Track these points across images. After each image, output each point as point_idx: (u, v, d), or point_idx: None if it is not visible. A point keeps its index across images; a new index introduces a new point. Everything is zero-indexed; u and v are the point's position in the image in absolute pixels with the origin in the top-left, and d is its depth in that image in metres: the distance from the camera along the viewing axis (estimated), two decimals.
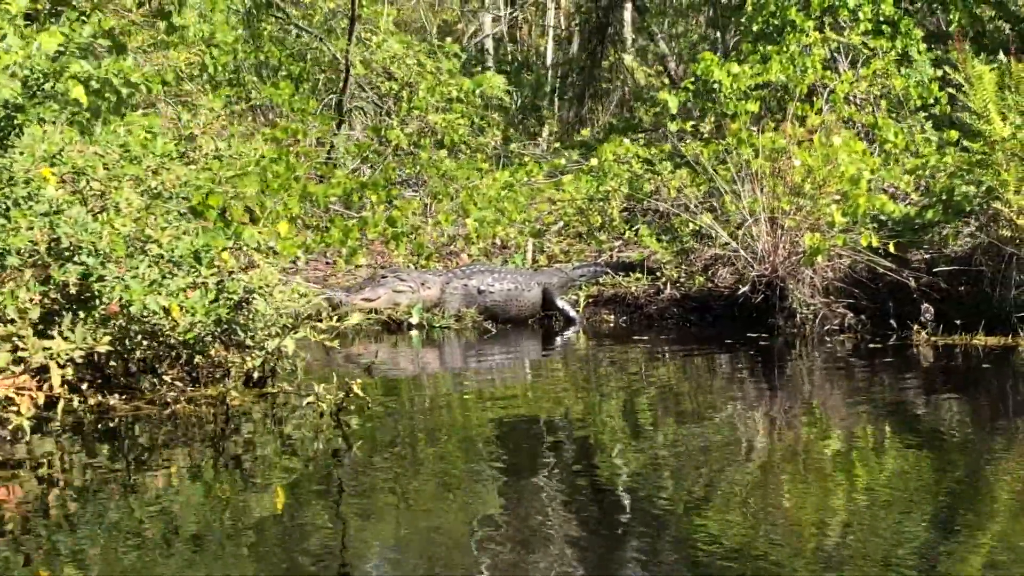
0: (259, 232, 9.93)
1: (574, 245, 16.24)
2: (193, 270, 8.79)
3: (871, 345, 12.43)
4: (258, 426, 8.43)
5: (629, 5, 28.25)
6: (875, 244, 12.90)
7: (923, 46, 17.21)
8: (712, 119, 16.15)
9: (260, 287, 8.79)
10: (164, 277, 8.57)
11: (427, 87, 17.94)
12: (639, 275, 14.74)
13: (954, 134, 14.18)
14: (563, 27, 32.41)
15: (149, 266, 8.59)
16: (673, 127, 16.58)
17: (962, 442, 8.29)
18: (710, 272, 14.35)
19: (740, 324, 13.33)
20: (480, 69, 26.25)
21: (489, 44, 31.23)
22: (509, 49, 31.82)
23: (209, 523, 6.24)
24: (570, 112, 28.21)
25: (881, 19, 17.35)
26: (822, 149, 13.38)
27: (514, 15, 32.14)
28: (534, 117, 25.99)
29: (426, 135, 17.67)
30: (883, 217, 13.56)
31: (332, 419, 8.39)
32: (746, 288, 13.41)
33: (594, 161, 17.07)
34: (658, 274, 14.62)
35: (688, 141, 15.60)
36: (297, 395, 8.79)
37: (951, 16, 17.72)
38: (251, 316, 8.91)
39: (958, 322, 12.51)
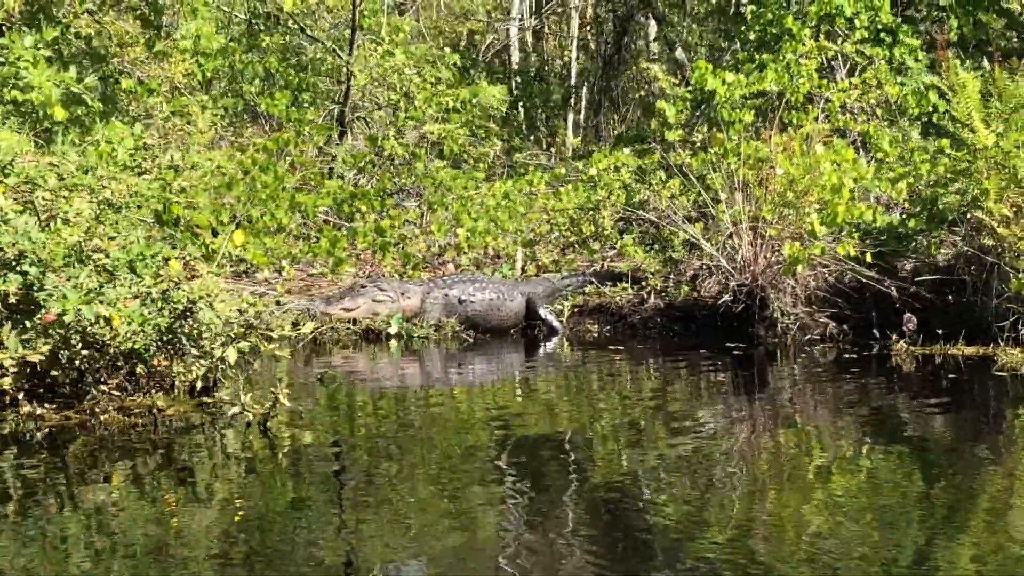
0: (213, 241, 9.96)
1: (566, 255, 16.19)
2: (137, 279, 8.82)
3: (847, 355, 12.34)
4: (182, 436, 8.40)
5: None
6: (852, 253, 12.79)
7: (922, 54, 17.04)
8: (705, 128, 16.05)
9: (201, 297, 8.80)
10: (102, 287, 8.61)
11: (424, 97, 17.95)
12: (625, 285, 14.69)
13: (946, 143, 14.01)
14: (589, 37, 32.37)
15: (89, 275, 8.63)
16: (670, 136, 16.52)
17: (925, 452, 8.22)
18: (697, 282, 14.26)
19: (723, 334, 13.24)
20: (500, 79, 26.31)
21: (515, 55, 31.23)
22: (533, 59, 31.77)
23: (93, 532, 6.25)
24: (589, 121, 28.18)
25: (879, 27, 17.19)
26: (803, 158, 13.27)
27: (538, 26, 32.13)
28: (546, 127, 25.94)
29: (422, 145, 17.67)
30: (868, 226, 13.44)
31: (259, 429, 8.39)
32: (727, 297, 13.35)
33: (593, 171, 17.01)
34: (643, 284, 14.57)
35: (677, 150, 15.53)
36: (232, 405, 8.75)
37: (950, 24, 17.54)
38: (195, 326, 8.92)
39: (939, 331, 12.42)
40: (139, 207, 9.80)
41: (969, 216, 12.73)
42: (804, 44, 16.78)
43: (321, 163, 17.71)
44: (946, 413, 9.68)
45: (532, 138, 24.86)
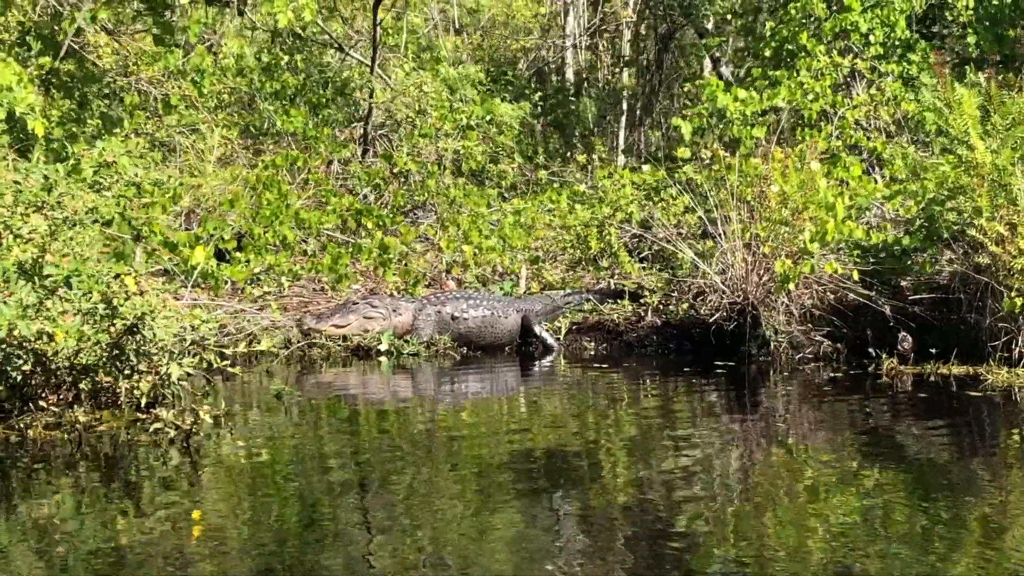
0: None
1: (575, 272, 16.09)
2: (80, 295, 8.89)
3: (836, 374, 12.16)
4: (104, 451, 8.40)
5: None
6: (840, 272, 12.62)
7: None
8: (714, 145, 15.91)
9: (145, 313, 8.84)
10: (42, 302, 8.70)
11: (440, 115, 17.96)
12: (624, 303, 14.59)
13: (953, 159, 13.77)
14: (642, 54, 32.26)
15: (30, 292, 8.70)
16: (680, 153, 16.44)
17: (894, 468, 8.15)
18: (699, 300, 14.10)
19: (718, 352, 13.09)
20: (551, 96, 26.34)
21: (569, 73, 31.23)
22: (583, 76, 31.71)
23: None
24: (629, 138, 28.10)
25: (896, 43, 16.97)
26: (797, 176, 13.11)
27: (591, 43, 32.11)
28: (582, 143, 25.84)
29: (437, 162, 17.68)
30: (866, 244, 13.26)
31: (181, 445, 8.38)
32: (718, 315, 13.21)
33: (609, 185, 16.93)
34: (642, 301, 14.46)
35: (682, 168, 15.46)
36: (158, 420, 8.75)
37: (968, 40, 17.24)
38: (142, 342, 8.97)
39: (933, 350, 12.22)
40: (95, 223, 9.84)
41: (963, 234, 12.52)
42: (819, 60, 16.61)
43: (341, 180, 17.80)
44: (919, 431, 9.52)
45: (568, 154, 24.77)
